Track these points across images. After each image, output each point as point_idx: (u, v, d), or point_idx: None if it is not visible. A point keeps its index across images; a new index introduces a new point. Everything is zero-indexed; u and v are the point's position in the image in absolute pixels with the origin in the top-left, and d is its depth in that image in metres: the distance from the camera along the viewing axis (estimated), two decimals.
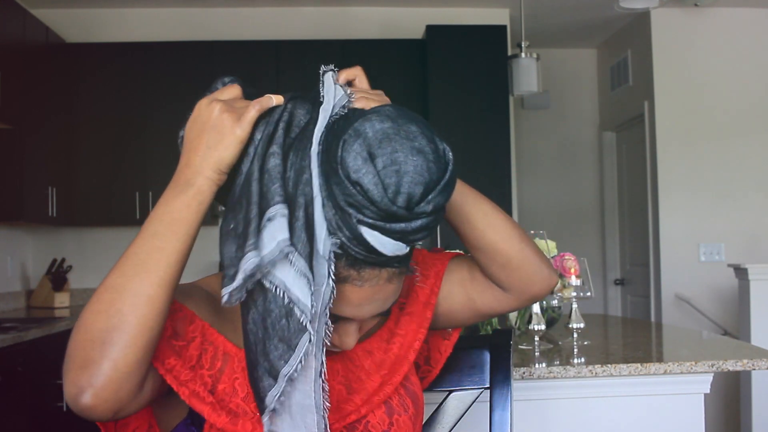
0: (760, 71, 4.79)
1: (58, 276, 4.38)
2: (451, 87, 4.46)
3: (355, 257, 0.84)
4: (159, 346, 0.87)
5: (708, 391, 1.93)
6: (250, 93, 0.92)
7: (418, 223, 0.82)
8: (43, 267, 4.55)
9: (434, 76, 4.48)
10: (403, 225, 0.81)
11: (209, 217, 4.56)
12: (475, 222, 1.03)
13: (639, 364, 1.79)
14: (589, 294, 2.09)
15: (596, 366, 1.76)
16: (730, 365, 1.82)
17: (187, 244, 0.85)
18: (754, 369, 1.86)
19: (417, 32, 4.74)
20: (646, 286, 5.01)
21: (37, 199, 4.08)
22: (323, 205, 0.82)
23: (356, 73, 0.97)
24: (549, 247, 2.11)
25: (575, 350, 2.00)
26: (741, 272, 3.80)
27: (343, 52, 4.52)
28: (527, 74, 3.93)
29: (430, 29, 4.57)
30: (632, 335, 2.62)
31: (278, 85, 4.41)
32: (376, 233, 0.81)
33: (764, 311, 3.72)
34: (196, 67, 4.52)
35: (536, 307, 2.15)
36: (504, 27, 4.68)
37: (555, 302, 2.23)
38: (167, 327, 0.89)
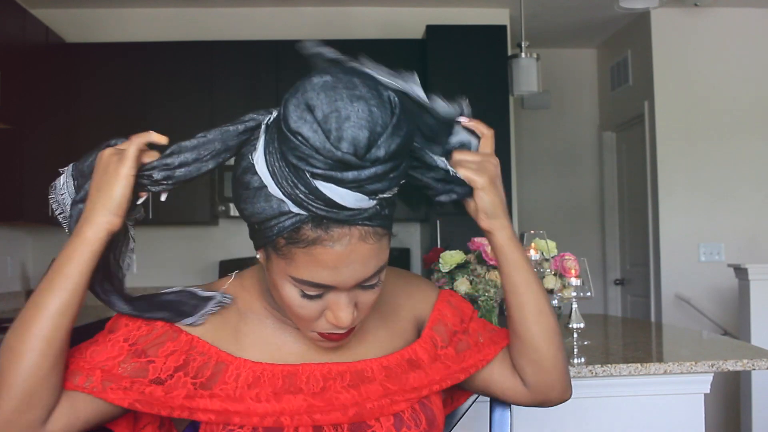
0: (760, 71, 4.79)
1: None
2: (451, 87, 4.42)
3: (320, 216, 0.83)
4: (102, 385, 0.90)
5: (708, 391, 1.93)
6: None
7: (372, 170, 0.81)
8: (43, 267, 4.55)
9: (434, 76, 4.48)
10: (355, 173, 0.80)
11: (209, 218, 4.56)
12: (528, 313, 1.04)
13: (639, 364, 1.79)
14: (589, 294, 2.09)
15: (596, 366, 1.76)
16: (730, 365, 1.82)
17: (66, 299, 0.88)
18: (754, 369, 1.86)
19: (417, 32, 4.74)
20: (646, 286, 5.01)
21: (37, 199, 4.07)
22: (275, 162, 0.84)
23: (487, 134, 1.00)
24: (549, 247, 2.11)
25: (575, 350, 2.00)
26: (741, 272, 3.80)
27: (343, 52, 4.50)
28: (527, 74, 3.93)
29: (430, 29, 4.57)
30: (632, 335, 2.61)
31: (278, 84, 4.41)
32: (330, 185, 0.81)
33: (764, 311, 3.72)
34: (196, 67, 4.52)
35: None
36: (504, 27, 4.67)
37: (555, 302, 2.23)
38: (113, 365, 0.92)
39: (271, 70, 4.51)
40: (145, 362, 0.93)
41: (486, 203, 0.98)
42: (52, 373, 0.87)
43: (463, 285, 2.02)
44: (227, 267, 4.59)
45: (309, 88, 0.83)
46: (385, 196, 0.85)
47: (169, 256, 4.74)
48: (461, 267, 2.08)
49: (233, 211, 4.53)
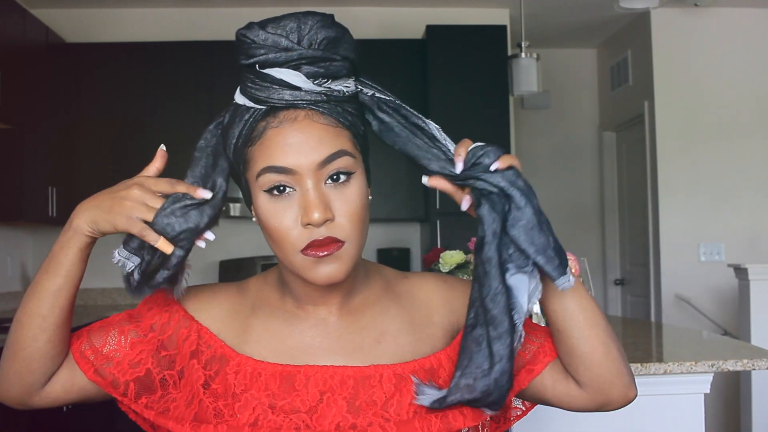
0: (760, 71, 4.79)
1: None
2: (451, 87, 4.46)
3: (270, 105, 0.89)
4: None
5: (708, 391, 1.93)
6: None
7: (302, 51, 0.88)
8: None
9: (434, 76, 4.48)
10: (288, 54, 0.88)
11: None
12: (575, 322, 0.96)
13: (639, 364, 1.79)
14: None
15: None
16: (730, 365, 1.82)
17: (59, 283, 0.95)
18: (754, 369, 1.86)
19: (417, 32, 4.74)
20: (646, 286, 5.01)
21: (37, 199, 4.08)
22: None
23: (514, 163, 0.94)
24: None
25: None
26: (741, 272, 3.80)
27: None
28: (527, 74, 3.93)
29: (430, 29, 4.57)
30: (632, 335, 2.62)
31: None
32: (273, 69, 0.89)
33: (764, 311, 3.72)
34: (196, 67, 4.52)
35: (536, 307, 2.14)
36: (504, 27, 4.67)
37: None
38: (124, 356, 0.97)
39: None
40: (171, 355, 0.98)
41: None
42: (49, 345, 0.95)
43: None
44: (227, 267, 4.59)
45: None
46: (332, 86, 0.90)
47: None
48: (461, 267, 2.09)
49: (233, 210, 4.53)
